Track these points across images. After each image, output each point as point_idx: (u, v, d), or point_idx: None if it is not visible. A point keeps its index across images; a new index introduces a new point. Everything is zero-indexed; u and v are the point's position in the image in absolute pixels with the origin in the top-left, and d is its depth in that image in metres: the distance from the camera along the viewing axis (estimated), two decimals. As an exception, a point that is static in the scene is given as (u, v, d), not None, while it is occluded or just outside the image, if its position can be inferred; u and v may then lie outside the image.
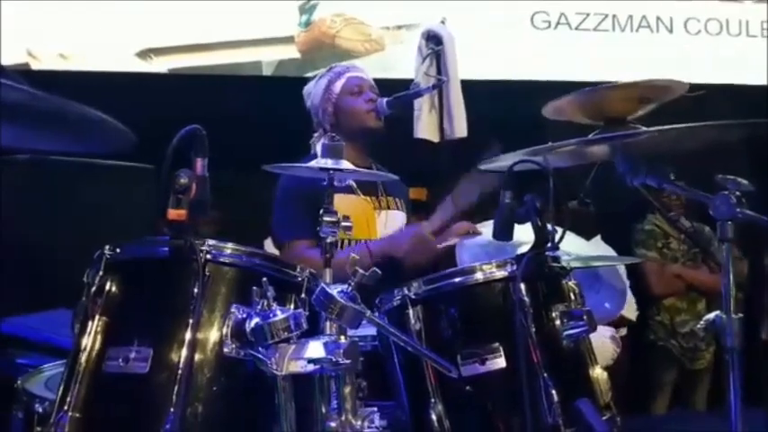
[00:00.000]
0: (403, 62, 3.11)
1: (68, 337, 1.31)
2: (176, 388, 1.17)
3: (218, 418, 1.21)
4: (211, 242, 1.29)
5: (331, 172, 1.38)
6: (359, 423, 1.13)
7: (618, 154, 1.49)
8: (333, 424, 1.14)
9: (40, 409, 1.48)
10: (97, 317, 1.26)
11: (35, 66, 3.23)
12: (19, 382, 1.63)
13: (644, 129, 1.48)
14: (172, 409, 1.16)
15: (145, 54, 3.27)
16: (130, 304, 1.27)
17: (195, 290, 1.23)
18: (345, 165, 1.40)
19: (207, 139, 1.31)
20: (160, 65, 3.29)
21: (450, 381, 1.31)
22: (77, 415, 1.20)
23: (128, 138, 1.33)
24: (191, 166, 1.30)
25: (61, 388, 1.24)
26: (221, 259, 1.30)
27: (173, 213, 1.26)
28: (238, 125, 2.98)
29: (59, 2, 3.23)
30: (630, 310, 3.37)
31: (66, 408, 1.20)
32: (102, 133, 1.35)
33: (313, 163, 1.43)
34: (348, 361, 1.13)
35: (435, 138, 2.48)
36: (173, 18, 3.25)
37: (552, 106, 1.55)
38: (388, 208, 2.17)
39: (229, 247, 1.32)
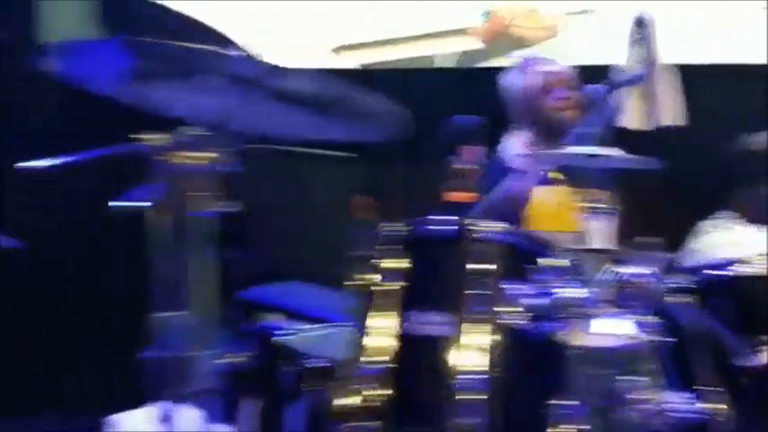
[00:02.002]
0: (574, 49, 3.04)
1: (305, 306, 1.40)
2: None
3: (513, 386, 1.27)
4: (482, 222, 1.37)
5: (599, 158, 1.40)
6: (674, 398, 1.15)
7: None
8: (639, 397, 1.16)
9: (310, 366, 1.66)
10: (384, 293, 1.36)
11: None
12: (277, 340, 1.79)
13: None
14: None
15: (337, 50, 3.44)
16: (420, 278, 1.38)
17: (484, 267, 1.31)
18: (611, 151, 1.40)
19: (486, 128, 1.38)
20: (351, 60, 3.45)
21: (728, 371, 1.30)
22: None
23: (405, 120, 1.39)
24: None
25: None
26: (491, 237, 1.37)
27: (455, 196, 1.36)
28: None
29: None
30: None
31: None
32: (381, 118, 1.44)
33: (578, 149, 1.45)
34: (655, 339, 1.16)
35: (644, 126, 2.40)
36: (363, 14, 3.39)
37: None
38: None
39: (499, 227, 1.39)
